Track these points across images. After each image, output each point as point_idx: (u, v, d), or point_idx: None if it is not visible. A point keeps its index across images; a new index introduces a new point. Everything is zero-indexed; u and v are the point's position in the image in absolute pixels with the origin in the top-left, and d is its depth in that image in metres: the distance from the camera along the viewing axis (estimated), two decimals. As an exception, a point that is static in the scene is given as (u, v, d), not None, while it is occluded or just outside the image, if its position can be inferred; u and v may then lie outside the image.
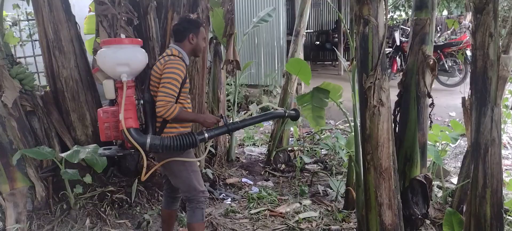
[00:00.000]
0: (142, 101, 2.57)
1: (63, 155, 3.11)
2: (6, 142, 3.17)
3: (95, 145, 3.19)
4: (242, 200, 4.13)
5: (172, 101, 2.46)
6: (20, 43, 5.72)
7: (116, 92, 2.63)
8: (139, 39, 2.80)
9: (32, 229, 3.20)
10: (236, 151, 5.57)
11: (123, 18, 3.71)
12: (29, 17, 6.02)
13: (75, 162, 3.04)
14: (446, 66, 8.63)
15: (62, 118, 3.70)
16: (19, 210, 3.16)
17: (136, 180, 3.64)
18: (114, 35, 3.63)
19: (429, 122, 3.21)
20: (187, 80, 2.63)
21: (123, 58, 2.52)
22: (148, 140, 2.46)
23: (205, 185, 4.11)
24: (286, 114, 3.16)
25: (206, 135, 2.63)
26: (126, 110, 2.46)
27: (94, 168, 3.23)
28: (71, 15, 3.70)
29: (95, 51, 3.73)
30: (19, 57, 5.44)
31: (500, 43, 3.51)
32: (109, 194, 3.51)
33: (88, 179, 3.39)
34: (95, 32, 3.75)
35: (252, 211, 3.81)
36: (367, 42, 2.20)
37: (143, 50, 2.70)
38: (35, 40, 5.59)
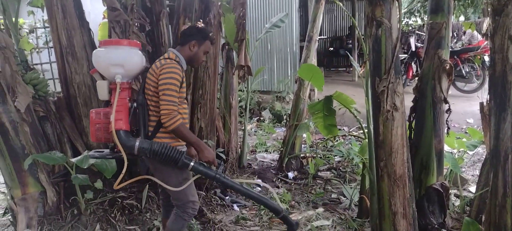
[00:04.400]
0: (135, 104, 2.52)
1: (73, 160, 3.11)
2: (19, 147, 3.19)
3: (107, 150, 3.17)
4: (253, 207, 4.08)
5: (175, 109, 2.42)
6: (37, 50, 5.82)
7: (110, 93, 2.58)
8: (138, 42, 2.75)
9: (43, 234, 3.21)
10: (248, 157, 5.53)
11: (136, 24, 3.72)
12: (46, 25, 6.13)
13: (85, 167, 3.03)
14: (463, 72, 8.46)
15: (74, 124, 3.71)
16: (30, 215, 3.17)
17: (147, 186, 3.62)
18: (126, 41, 3.64)
19: (446, 128, 3.12)
20: (184, 85, 2.55)
21: (118, 59, 2.48)
22: (137, 143, 2.40)
23: (215, 191, 4.12)
24: (283, 214, 2.71)
25: (192, 164, 2.49)
26: (117, 111, 2.41)
27: (104, 174, 3.22)
28: (84, 21, 3.73)
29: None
30: (36, 64, 5.54)
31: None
32: (119, 200, 3.50)
33: (98, 184, 3.39)
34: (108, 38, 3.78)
35: (263, 219, 3.76)
36: (380, 45, 2.14)
37: (140, 52, 2.64)
38: (52, 47, 5.70)
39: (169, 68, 2.43)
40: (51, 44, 5.52)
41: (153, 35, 4.06)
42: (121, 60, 2.48)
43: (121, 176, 2.44)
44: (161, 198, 2.89)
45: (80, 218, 3.33)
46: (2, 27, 3.89)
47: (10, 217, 3.44)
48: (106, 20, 4.05)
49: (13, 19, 3.98)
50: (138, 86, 2.90)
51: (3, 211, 3.82)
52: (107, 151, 2.63)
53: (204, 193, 4.01)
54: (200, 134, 4.07)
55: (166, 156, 2.41)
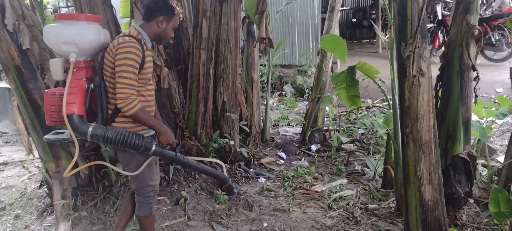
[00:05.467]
0: (92, 85, 2.30)
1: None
2: (51, 122, 3.31)
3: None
4: (277, 179, 4.13)
5: (133, 93, 2.22)
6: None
7: (66, 73, 2.32)
8: (98, 17, 2.48)
9: (77, 205, 3.36)
10: (270, 131, 5.57)
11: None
12: (69, 4, 6.24)
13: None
14: (493, 40, 8.13)
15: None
16: (64, 187, 3.32)
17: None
18: (148, 16, 3.67)
19: (474, 96, 3.04)
20: (148, 65, 2.33)
21: (69, 36, 2.21)
22: (90, 129, 2.23)
23: (239, 164, 4.19)
24: (229, 183, 2.97)
25: (154, 149, 2.38)
26: (70, 94, 2.20)
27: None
28: (107, -2, 3.78)
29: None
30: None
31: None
32: (147, 172, 3.61)
33: (127, 157, 3.49)
34: (130, 15, 3.82)
35: (288, 190, 3.81)
36: (406, 8, 2.08)
37: (98, 28, 2.36)
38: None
39: (126, 48, 2.19)
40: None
41: (174, 10, 4.07)
42: (72, 37, 2.22)
43: (73, 162, 2.33)
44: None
45: (111, 189, 3.47)
46: (28, 6, 3.98)
47: (46, 189, 3.62)
48: (127, -4, 4.09)
49: (39, -2, 4.06)
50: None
51: (39, 184, 4.01)
52: (67, 132, 2.36)
53: (229, 166, 4.08)
54: (223, 108, 4.11)
55: (123, 143, 2.27)
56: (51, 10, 6.34)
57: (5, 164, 5.18)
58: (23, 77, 3.19)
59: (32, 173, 4.60)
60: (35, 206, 3.72)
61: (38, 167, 4.49)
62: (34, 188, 4.12)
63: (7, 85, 6.62)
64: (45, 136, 2.47)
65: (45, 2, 5.55)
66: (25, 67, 3.20)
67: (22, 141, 4.12)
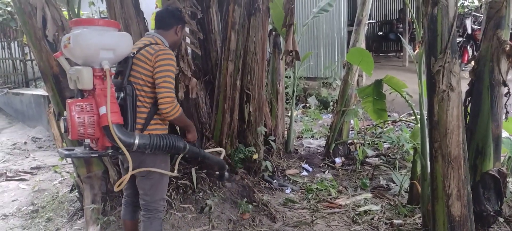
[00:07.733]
0: (122, 95, 2.22)
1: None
2: (84, 129, 3.44)
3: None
4: (300, 190, 4.14)
5: (175, 98, 2.28)
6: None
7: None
8: (117, 22, 2.44)
9: (106, 210, 3.46)
10: (294, 143, 5.58)
11: (187, 12, 3.85)
12: (102, 15, 6.48)
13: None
14: (526, 56, 7.90)
15: (132, 108, 3.93)
16: (95, 191, 3.44)
17: (195, 168, 3.78)
18: (179, 28, 3.79)
19: (505, 112, 2.99)
20: None
21: (110, 42, 2.13)
22: (137, 140, 2.16)
23: (263, 175, 4.22)
24: (226, 168, 2.98)
25: (188, 146, 2.42)
26: (112, 103, 2.10)
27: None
28: (140, 10, 3.91)
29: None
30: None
31: None
32: (174, 180, 3.68)
33: (155, 165, 3.58)
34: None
35: (311, 202, 3.80)
36: (436, 24, 2.09)
37: (130, 35, 2.29)
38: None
39: (167, 54, 2.28)
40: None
41: (203, 23, 4.19)
42: (113, 43, 2.14)
43: (125, 178, 2.26)
44: (126, 194, 2.66)
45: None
46: (67, 18, 4.18)
47: (76, 193, 3.75)
48: (158, 9, 4.22)
49: (76, 10, 4.26)
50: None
51: (70, 188, 4.16)
52: (80, 148, 2.27)
53: (252, 177, 4.12)
54: (248, 119, 4.16)
55: (170, 147, 2.30)
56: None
57: (38, 168, 5.39)
58: (61, 85, 3.34)
59: (64, 178, 4.77)
60: (66, 209, 3.85)
61: (69, 172, 4.65)
62: (65, 192, 4.27)
63: (43, 93, 6.92)
64: (59, 150, 2.33)
65: (81, 13, 5.81)
66: (63, 76, 3.34)
67: (56, 146, 4.29)
